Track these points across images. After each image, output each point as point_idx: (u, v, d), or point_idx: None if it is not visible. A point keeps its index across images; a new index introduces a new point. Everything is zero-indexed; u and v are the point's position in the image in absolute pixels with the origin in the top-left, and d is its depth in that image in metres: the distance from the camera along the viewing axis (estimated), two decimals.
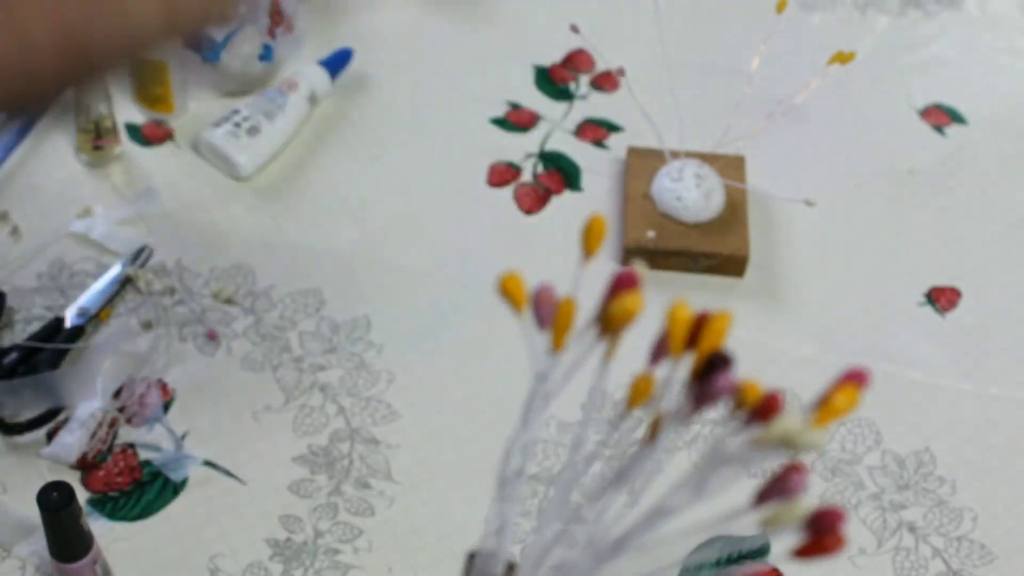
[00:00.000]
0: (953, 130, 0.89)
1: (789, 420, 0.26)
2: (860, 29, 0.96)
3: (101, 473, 0.67)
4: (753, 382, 0.28)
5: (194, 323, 0.74)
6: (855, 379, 0.25)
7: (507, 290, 0.30)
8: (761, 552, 0.66)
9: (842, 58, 0.76)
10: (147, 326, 0.73)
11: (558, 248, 0.80)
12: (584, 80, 0.91)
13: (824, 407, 0.25)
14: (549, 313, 0.30)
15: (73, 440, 0.67)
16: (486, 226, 0.81)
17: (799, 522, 0.25)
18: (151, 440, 0.69)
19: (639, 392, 0.30)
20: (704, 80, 0.90)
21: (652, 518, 0.29)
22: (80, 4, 0.39)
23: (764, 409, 0.26)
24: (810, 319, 0.77)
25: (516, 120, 0.87)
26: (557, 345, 0.30)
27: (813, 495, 0.69)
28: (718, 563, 0.66)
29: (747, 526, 0.71)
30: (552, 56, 0.92)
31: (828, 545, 0.25)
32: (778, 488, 0.25)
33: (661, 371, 0.31)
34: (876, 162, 0.87)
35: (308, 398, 0.71)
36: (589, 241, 0.31)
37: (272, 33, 0.85)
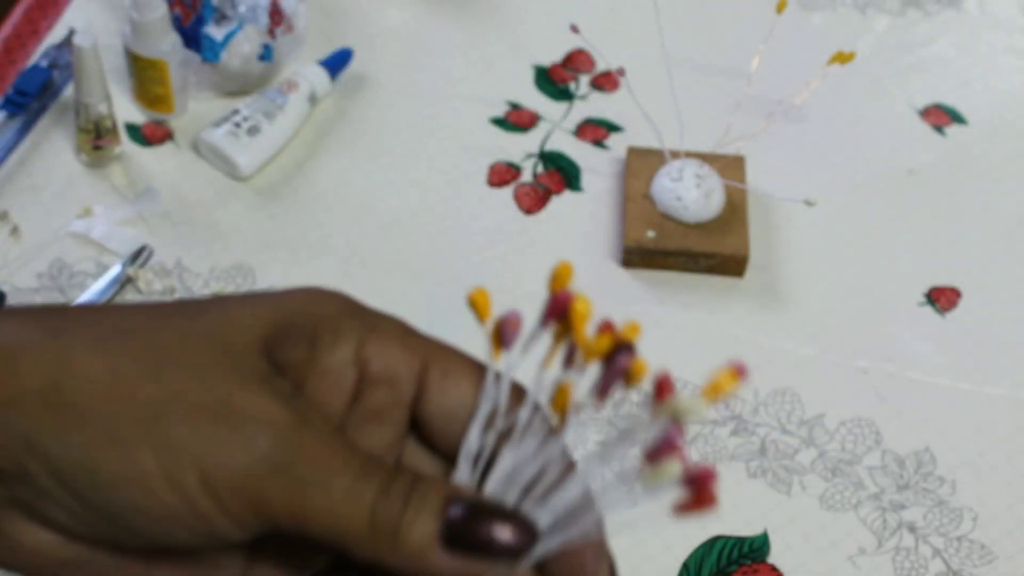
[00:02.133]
0: (953, 130, 0.89)
1: (680, 398, 0.31)
2: (860, 29, 0.96)
3: None
4: (643, 362, 0.32)
5: None
6: (737, 370, 0.27)
7: (475, 303, 0.31)
8: (761, 552, 0.66)
9: (842, 58, 0.76)
10: None
11: (558, 248, 0.80)
12: (584, 80, 0.91)
13: (711, 388, 0.30)
14: (512, 337, 0.32)
15: None
16: (486, 226, 0.81)
17: (674, 479, 0.30)
18: None
19: (561, 398, 0.31)
20: (704, 80, 0.90)
21: (566, 484, 0.31)
22: None
23: (657, 389, 0.31)
24: (810, 319, 0.77)
25: (516, 120, 0.87)
26: (495, 352, 0.33)
27: (812, 495, 0.69)
28: (718, 563, 0.66)
29: (747, 526, 0.72)
30: (552, 56, 0.92)
31: (702, 501, 0.29)
32: (660, 448, 0.29)
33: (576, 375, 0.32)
34: (876, 162, 0.87)
35: None
36: (555, 282, 0.32)
37: (272, 33, 0.85)
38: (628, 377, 0.31)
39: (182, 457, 0.30)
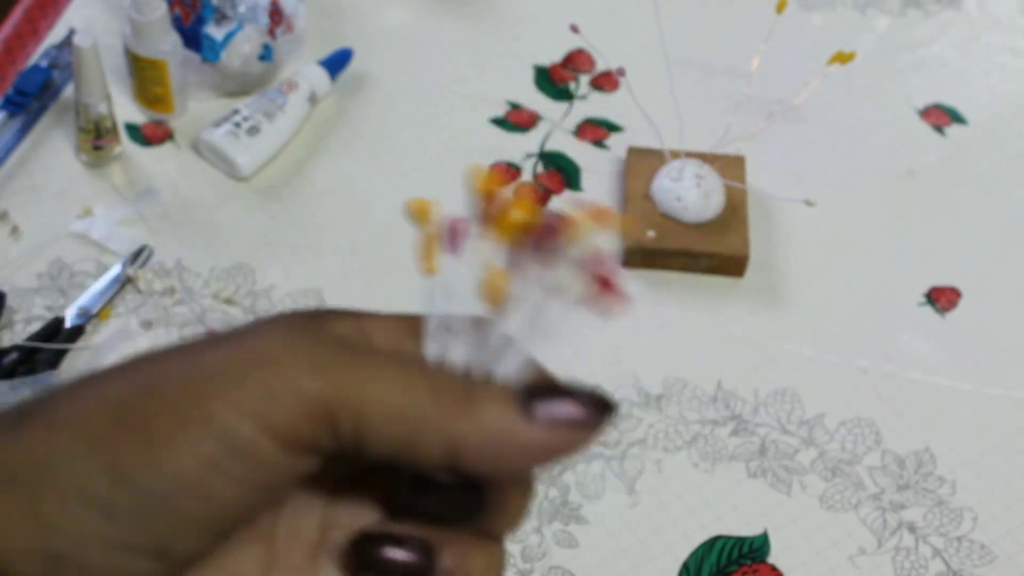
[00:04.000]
0: (953, 130, 0.89)
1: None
2: (860, 29, 0.96)
3: None
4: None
5: (194, 323, 0.74)
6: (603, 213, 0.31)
7: (414, 212, 0.33)
8: (761, 552, 0.66)
9: (842, 58, 0.76)
10: (147, 326, 0.73)
11: None
12: (584, 80, 0.91)
13: (594, 217, 0.31)
14: (459, 243, 0.33)
15: None
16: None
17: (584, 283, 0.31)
18: None
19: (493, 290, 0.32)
20: (704, 80, 0.90)
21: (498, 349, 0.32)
22: None
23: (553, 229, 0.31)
24: (810, 319, 0.77)
25: (516, 120, 0.87)
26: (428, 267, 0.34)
27: (812, 495, 0.69)
28: (718, 563, 0.66)
29: (747, 526, 0.72)
30: (552, 56, 0.92)
31: (609, 291, 0.31)
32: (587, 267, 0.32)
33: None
34: (876, 162, 0.87)
35: None
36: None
37: (272, 33, 0.85)
38: (561, 230, 0.31)
39: (212, 396, 0.29)
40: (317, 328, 0.31)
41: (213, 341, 0.31)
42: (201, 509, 0.29)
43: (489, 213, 0.32)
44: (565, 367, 0.78)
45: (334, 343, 0.30)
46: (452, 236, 0.32)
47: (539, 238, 0.31)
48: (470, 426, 0.29)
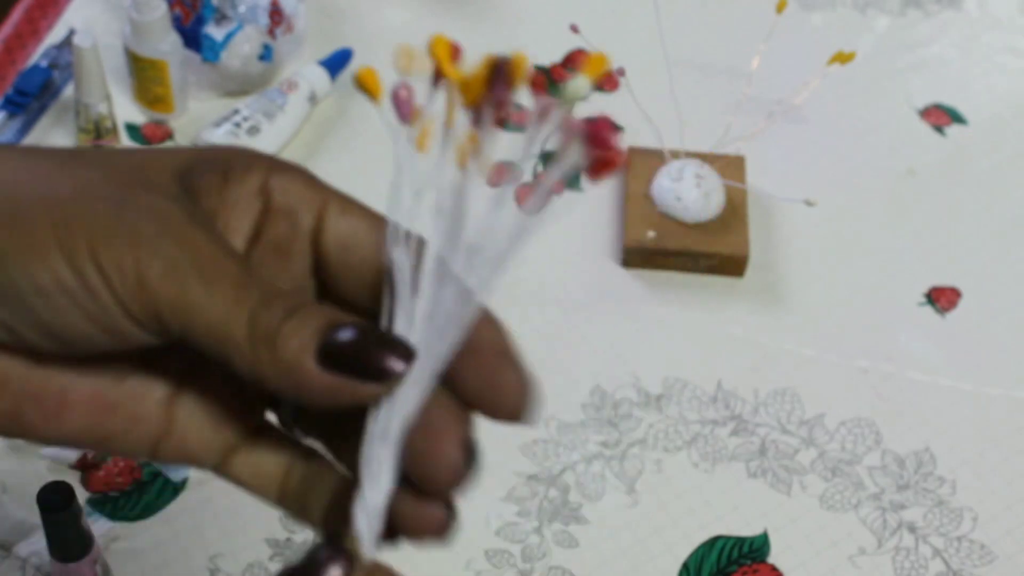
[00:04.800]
0: (953, 130, 0.89)
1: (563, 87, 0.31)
2: (860, 29, 0.96)
3: (101, 473, 0.67)
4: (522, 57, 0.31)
5: None
6: (599, 58, 0.30)
7: (363, 82, 0.32)
8: (761, 552, 0.66)
9: (842, 58, 0.76)
10: None
11: (558, 248, 0.80)
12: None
13: (583, 66, 0.31)
14: (408, 110, 0.33)
15: None
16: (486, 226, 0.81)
17: (578, 144, 0.31)
18: None
19: (464, 151, 0.32)
20: (704, 80, 0.90)
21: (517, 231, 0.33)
22: None
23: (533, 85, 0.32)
24: (810, 319, 0.77)
25: (516, 120, 0.87)
26: (420, 144, 0.33)
27: (812, 495, 0.69)
28: (718, 563, 0.66)
29: (747, 526, 0.72)
30: (552, 56, 0.92)
31: (610, 160, 0.31)
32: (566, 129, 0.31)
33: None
34: (876, 162, 0.87)
35: None
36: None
37: (272, 33, 0.85)
38: (512, 77, 0.32)
39: (78, 236, 0.31)
40: (188, 200, 0.33)
41: (97, 170, 0.33)
42: (47, 313, 0.31)
43: (444, 76, 0.32)
44: (565, 367, 0.78)
45: (187, 239, 0.32)
46: (399, 104, 0.33)
47: (496, 88, 0.31)
48: (270, 361, 0.31)
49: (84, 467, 0.67)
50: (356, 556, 0.34)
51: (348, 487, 0.34)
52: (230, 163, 0.35)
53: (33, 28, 0.90)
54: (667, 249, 0.78)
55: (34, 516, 0.58)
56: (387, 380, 0.31)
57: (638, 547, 0.66)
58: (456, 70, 0.32)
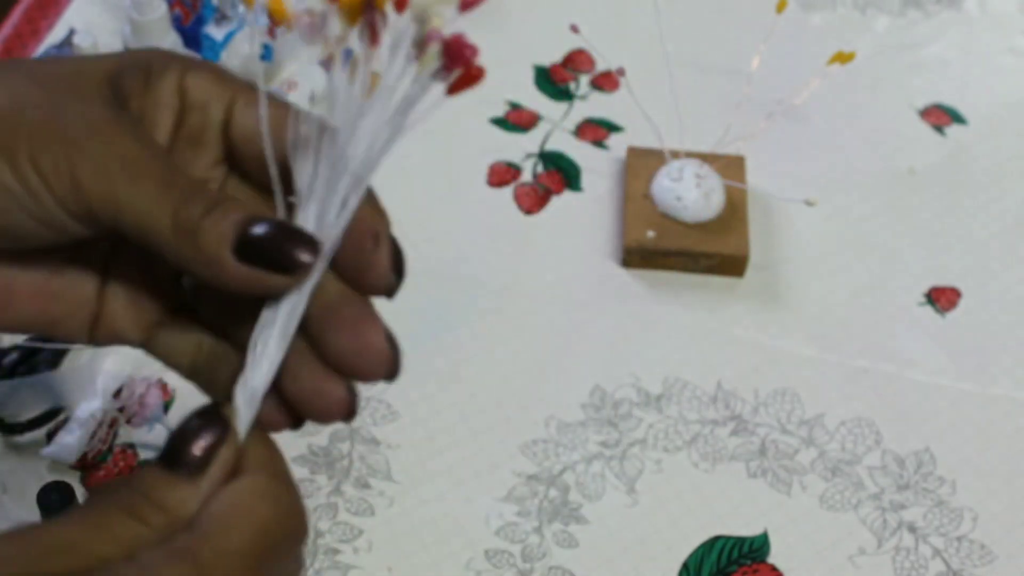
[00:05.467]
0: (953, 130, 0.89)
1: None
2: (860, 29, 0.96)
3: (101, 473, 0.67)
4: None
5: None
6: None
7: (272, 9, 0.37)
8: (761, 552, 0.66)
9: (842, 58, 0.76)
10: None
11: (558, 248, 0.80)
12: (584, 80, 0.91)
13: None
14: (311, 32, 0.36)
15: (73, 440, 0.67)
16: (486, 226, 0.81)
17: (437, 58, 0.34)
18: (151, 440, 0.69)
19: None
20: (704, 80, 0.90)
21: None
22: None
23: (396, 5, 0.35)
24: (810, 319, 0.77)
25: (516, 120, 0.87)
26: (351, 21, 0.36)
27: (812, 495, 0.69)
28: (718, 563, 0.66)
29: (747, 526, 0.71)
30: (552, 56, 0.92)
31: (469, 74, 0.35)
32: (422, 41, 0.35)
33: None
34: (876, 162, 0.87)
35: None
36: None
37: (272, 33, 0.85)
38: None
39: (17, 140, 0.34)
40: (117, 103, 0.36)
41: (35, 78, 0.37)
42: None
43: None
44: (565, 367, 0.78)
45: (115, 140, 0.35)
46: (308, 29, 0.36)
47: (366, 12, 0.34)
48: (192, 252, 0.35)
49: (84, 467, 0.67)
50: (231, 428, 0.36)
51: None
52: (150, 65, 0.38)
53: (33, 28, 0.90)
54: (667, 249, 0.78)
55: (34, 516, 0.58)
56: (297, 272, 0.35)
57: (638, 547, 0.66)
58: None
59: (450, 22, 0.35)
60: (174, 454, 0.35)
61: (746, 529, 0.67)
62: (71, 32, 0.88)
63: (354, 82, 0.35)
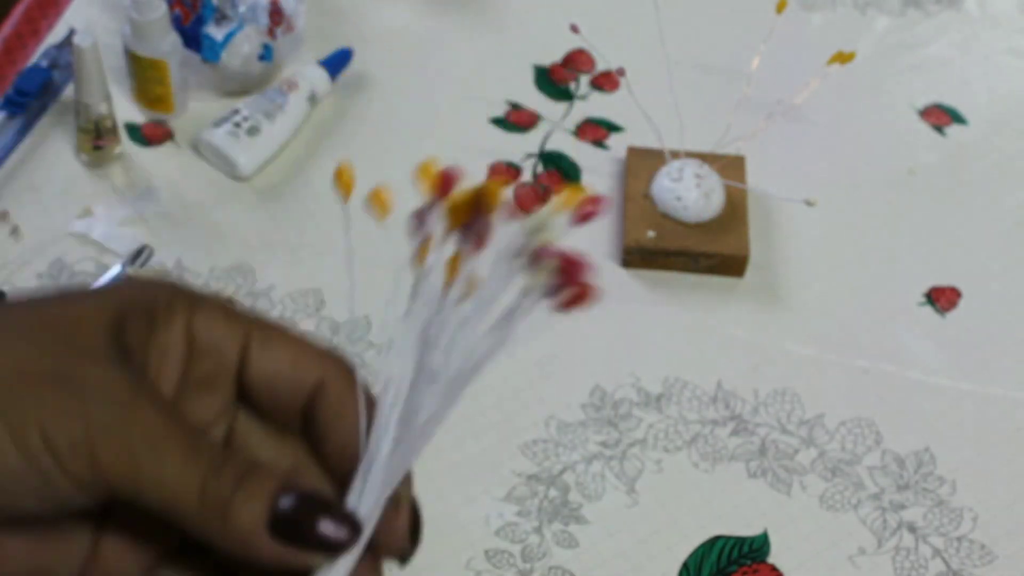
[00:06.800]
0: (953, 130, 0.89)
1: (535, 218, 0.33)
2: (860, 29, 0.96)
3: None
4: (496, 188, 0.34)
5: None
6: (577, 189, 0.33)
7: (339, 179, 0.36)
8: (761, 552, 0.66)
9: (842, 58, 0.76)
10: None
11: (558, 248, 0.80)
12: (584, 80, 0.91)
13: (561, 203, 0.33)
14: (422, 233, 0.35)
15: None
16: None
17: (550, 275, 0.32)
18: None
19: (451, 268, 0.35)
20: (704, 80, 0.90)
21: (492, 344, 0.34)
22: None
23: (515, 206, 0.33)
24: (810, 319, 0.77)
25: (516, 120, 0.87)
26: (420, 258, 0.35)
27: (812, 495, 0.69)
28: (718, 563, 0.66)
29: (747, 526, 0.71)
30: (552, 56, 0.92)
31: (582, 293, 0.32)
32: (535, 256, 0.33)
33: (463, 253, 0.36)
34: (876, 162, 0.87)
35: None
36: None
37: (272, 33, 0.85)
38: (487, 204, 0.34)
39: (27, 418, 0.32)
40: (123, 360, 0.34)
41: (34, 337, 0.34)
42: None
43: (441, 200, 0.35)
44: (565, 367, 0.78)
45: (133, 409, 0.33)
46: (418, 224, 0.35)
47: (474, 214, 0.34)
48: (221, 530, 0.33)
49: None
50: None
51: None
52: (153, 309, 0.36)
53: (33, 28, 0.90)
54: (667, 249, 0.78)
55: None
56: (333, 551, 0.33)
57: (638, 547, 0.66)
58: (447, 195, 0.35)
59: (562, 234, 0.33)
60: None
61: (746, 529, 0.67)
62: (71, 32, 0.88)
63: (450, 288, 0.34)
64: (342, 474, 0.36)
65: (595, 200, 0.32)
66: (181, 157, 0.83)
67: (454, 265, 0.34)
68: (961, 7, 0.98)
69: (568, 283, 0.32)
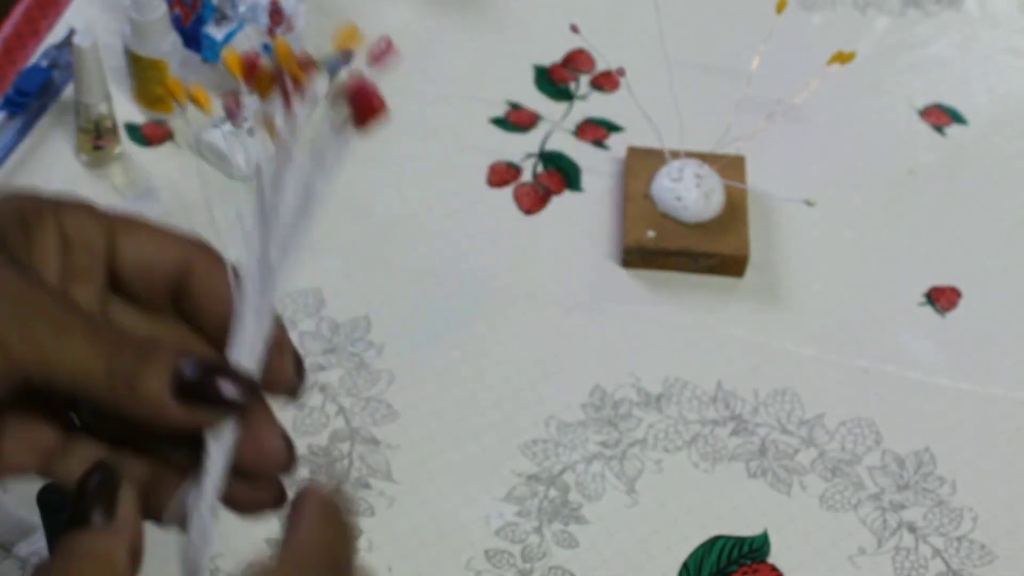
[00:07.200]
0: (953, 130, 0.89)
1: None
2: (860, 29, 0.96)
3: None
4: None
5: None
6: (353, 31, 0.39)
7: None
8: (761, 552, 0.66)
9: (842, 58, 0.76)
10: None
11: (558, 248, 0.80)
12: (584, 80, 0.91)
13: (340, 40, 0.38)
14: (235, 112, 0.39)
15: None
16: (486, 226, 0.81)
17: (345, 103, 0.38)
18: None
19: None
20: (704, 80, 0.90)
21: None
22: None
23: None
24: (810, 319, 0.77)
25: (516, 120, 0.87)
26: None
27: (812, 495, 0.69)
28: (718, 563, 0.66)
29: (747, 526, 0.71)
30: (552, 56, 0.92)
31: (372, 107, 0.38)
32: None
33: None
34: (876, 162, 0.87)
35: (308, 398, 0.71)
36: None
37: (272, 33, 0.85)
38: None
39: None
40: (10, 259, 0.37)
41: None
42: None
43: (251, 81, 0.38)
44: (565, 367, 0.78)
45: (30, 300, 0.36)
46: (231, 109, 0.39)
47: (284, 83, 0.38)
48: (130, 400, 0.36)
49: None
50: (117, 472, 0.38)
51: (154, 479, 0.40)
52: (25, 215, 0.39)
53: (33, 28, 0.90)
54: (667, 249, 0.78)
55: (34, 516, 0.58)
56: (235, 409, 0.37)
57: (638, 547, 0.66)
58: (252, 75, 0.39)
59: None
60: (82, 512, 0.37)
61: (746, 529, 0.67)
62: (71, 32, 0.88)
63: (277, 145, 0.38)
64: (219, 343, 0.39)
65: (387, 42, 0.37)
66: (181, 157, 0.83)
67: (270, 123, 0.39)
68: (961, 7, 0.98)
69: (360, 103, 0.37)
